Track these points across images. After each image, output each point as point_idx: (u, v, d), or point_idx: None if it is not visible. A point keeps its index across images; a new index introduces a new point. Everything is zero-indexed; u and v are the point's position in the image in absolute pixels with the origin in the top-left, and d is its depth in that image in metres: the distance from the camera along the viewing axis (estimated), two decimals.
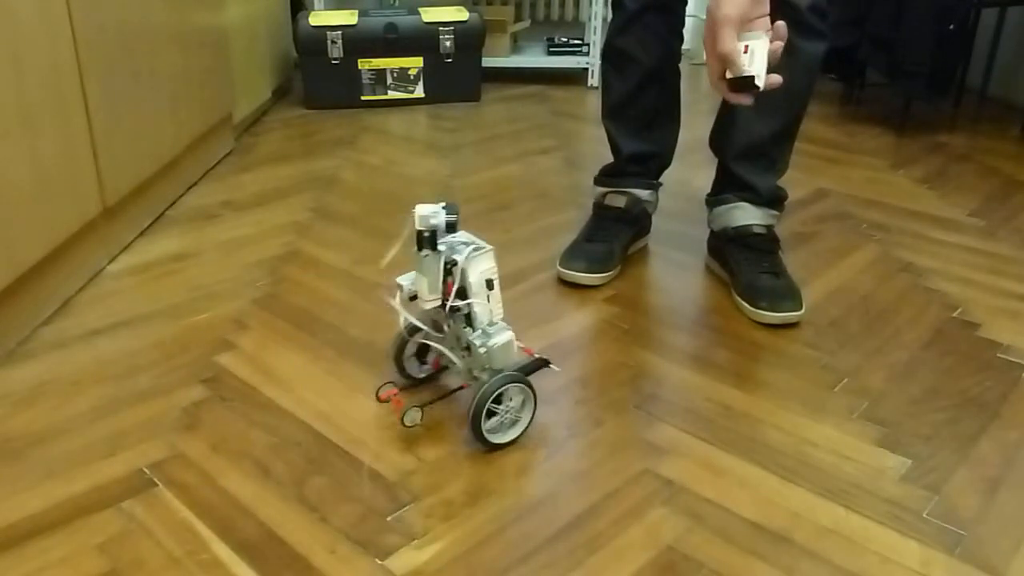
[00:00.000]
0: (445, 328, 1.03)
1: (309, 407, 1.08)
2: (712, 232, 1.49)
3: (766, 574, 0.82)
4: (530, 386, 1.00)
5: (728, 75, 0.98)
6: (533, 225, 1.68)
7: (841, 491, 0.94)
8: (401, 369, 1.12)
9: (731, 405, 1.10)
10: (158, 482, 0.94)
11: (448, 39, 2.61)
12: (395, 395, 1.04)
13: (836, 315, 1.33)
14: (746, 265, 1.37)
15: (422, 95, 2.66)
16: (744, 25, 0.97)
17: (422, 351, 1.12)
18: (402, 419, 1.02)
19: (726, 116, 1.43)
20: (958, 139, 2.30)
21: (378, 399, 1.08)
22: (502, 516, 0.90)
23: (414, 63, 2.62)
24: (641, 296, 1.39)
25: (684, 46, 1.48)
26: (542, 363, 1.06)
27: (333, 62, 2.56)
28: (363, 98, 2.62)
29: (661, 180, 1.56)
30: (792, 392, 1.13)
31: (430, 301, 0.98)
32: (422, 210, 0.95)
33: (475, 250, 0.96)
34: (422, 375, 1.13)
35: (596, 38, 2.86)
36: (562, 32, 3.08)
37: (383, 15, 2.61)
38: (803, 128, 1.42)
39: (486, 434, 0.98)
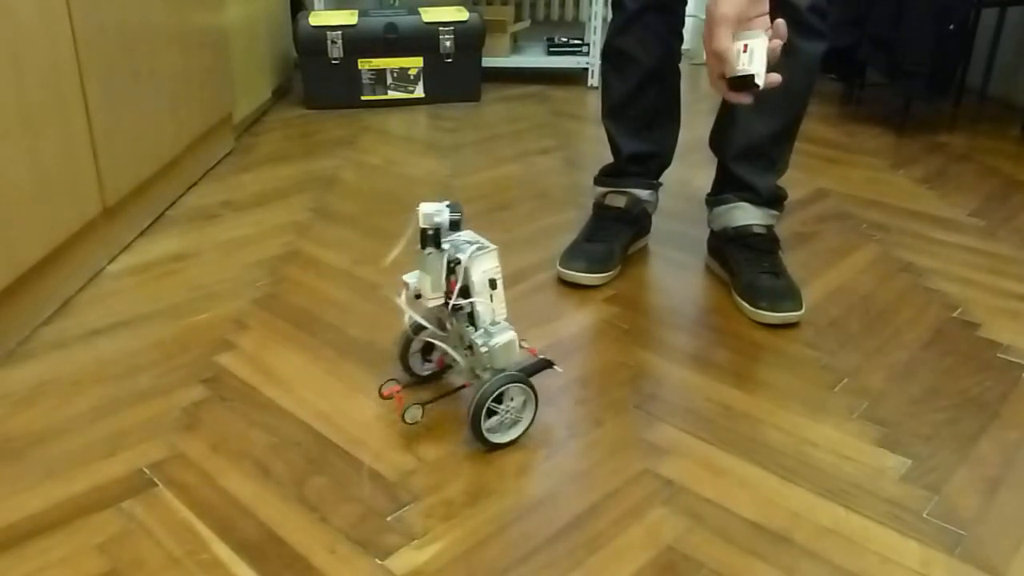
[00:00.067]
0: (448, 326, 1.03)
1: (309, 407, 1.08)
2: (712, 232, 1.49)
3: (766, 574, 0.82)
4: (531, 387, 1.00)
5: (727, 74, 0.98)
6: (533, 225, 1.68)
7: (841, 491, 0.94)
8: (406, 366, 1.12)
9: (731, 405, 1.10)
10: (158, 482, 0.94)
11: (448, 39, 2.61)
12: (397, 392, 1.04)
13: (836, 315, 1.33)
14: (746, 265, 1.37)
15: (422, 95, 2.66)
16: (743, 24, 0.97)
17: (427, 349, 1.12)
18: (403, 416, 1.02)
19: (726, 116, 1.43)
20: (958, 139, 2.30)
21: (381, 396, 1.08)
22: (502, 516, 0.90)
23: (414, 63, 2.62)
24: (641, 296, 1.39)
25: (684, 46, 1.48)
26: (545, 364, 1.06)
27: (333, 62, 2.56)
28: (363, 98, 2.62)
29: (661, 180, 1.56)
30: (792, 392, 1.13)
31: (433, 299, 0.98)
32: (426, 208, 0.95)
33: (478, 249, 0.97)
34: (426, 373, 1.13)
35: (596, 38, 2.86)
36: (562, 32, 3.08)
37: (383, 15, 2.61)
38: (803, 128, 1.42)
39: (486, 433, 0.98)
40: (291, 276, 1.45)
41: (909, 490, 0.94)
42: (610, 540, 0.86)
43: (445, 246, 0.97)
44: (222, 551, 0.84)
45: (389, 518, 0.89)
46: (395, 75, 2.62)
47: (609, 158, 1.55)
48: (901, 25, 2.23)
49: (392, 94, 2.64)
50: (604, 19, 2.79)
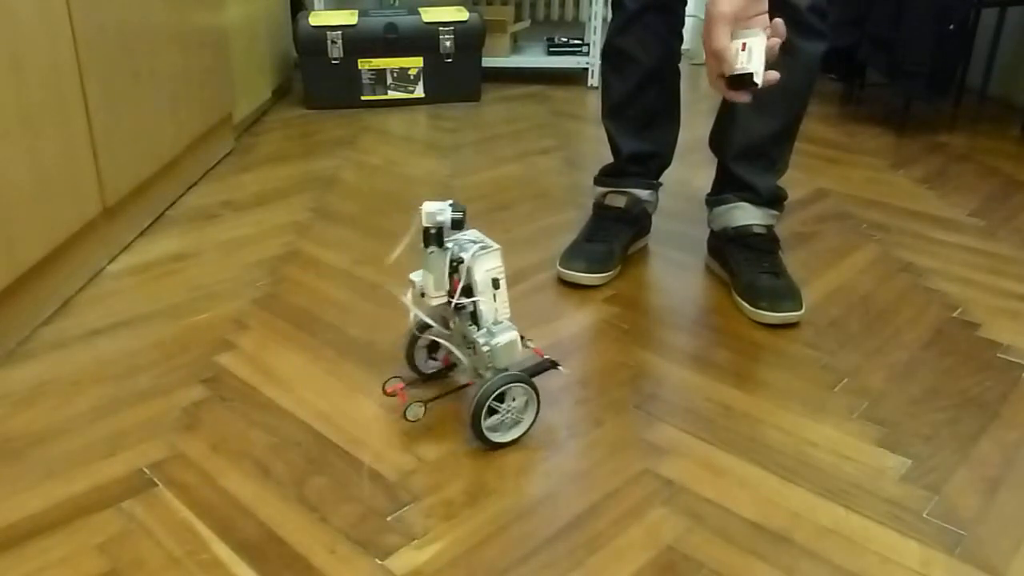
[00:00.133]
0: (452, 325, 1.03)
1: (309, 407, 1.08)
2: (712, 232, 1.49)
3: (766, 574, 0.82)
4: (534, 387, 1.00)
5: (725, 72, 0.98)
6: (533, 225, 1.68)
7: (841, 491, 0.94)
8: (412, 364, 1.12)
9: (731, 405, 1.10)
10: (158, 482, 0.94)
11: (448, 39, 2.61)
12: (401, 389, 1.05)
13: (836, 315, 1.33)
14: (746, 265, 1.37)
15: (422, 95, 2.66)
16: (741, 23, 0.97)
17: (433, 347, 1.12)
18: (405, 414, 1.02)
19: (726, 116, 1.43)
20: (958, 139, 2.30)
21: (384, 392, 1.09)
22: (502, 516, 0.90)
23: (414, 63, 2.62)
24: (641, 296, 1.39)
25: (684, 46, 1.48)
26: (549, 364, 1.06)
27: (333, 62, 2.56)
28: (363, 98, 2.62)
29: (661, 180, 1.56)
30: (792, 392, 1.13)
31: (436, 298, 0.98)
32: (429, 207, 0.95)
33: (481, 248, 0.97)
34: (431, 371, 1.13)
35: (596, 38, 2.86)
36: (562, 32, 3.08)
37: (383, 15, 2.61)
38: (803, 128, 1.43)
39: (486, 432, 0.98)
40: (291, 276, 1.45)
41: (909, 490, 0.94)
42: (610, 540, 0.86)
43: (449, 245, 0.97)
44: (222, 551, 0.84)
45: (389, 518, 0.89)
46: (395, 75, 2.62)
47: (609, 158, 1.55)
48: (901, 25, 2.23)
49: (392, 94, 2.64)
50: (604, 19, 2.79)
